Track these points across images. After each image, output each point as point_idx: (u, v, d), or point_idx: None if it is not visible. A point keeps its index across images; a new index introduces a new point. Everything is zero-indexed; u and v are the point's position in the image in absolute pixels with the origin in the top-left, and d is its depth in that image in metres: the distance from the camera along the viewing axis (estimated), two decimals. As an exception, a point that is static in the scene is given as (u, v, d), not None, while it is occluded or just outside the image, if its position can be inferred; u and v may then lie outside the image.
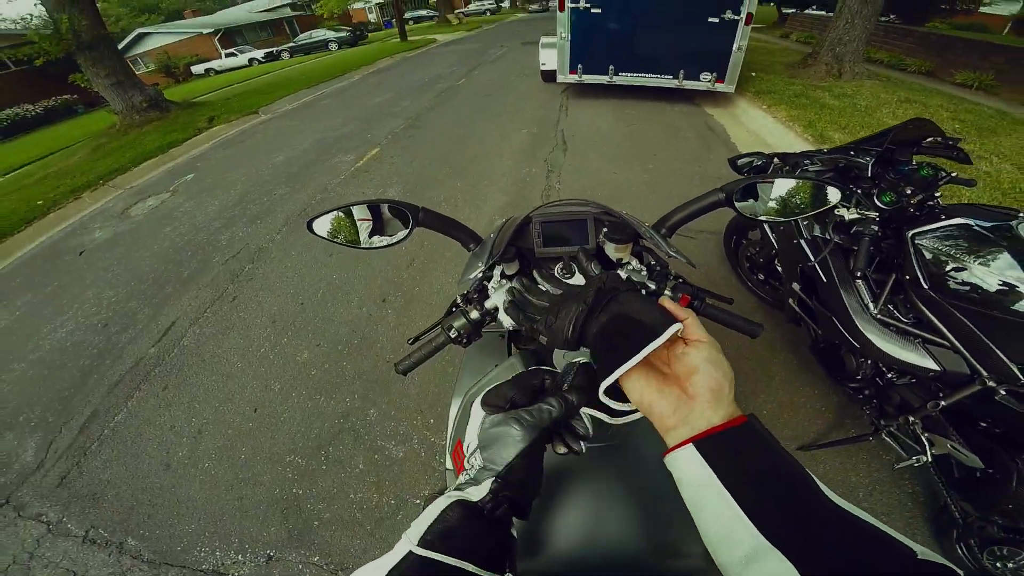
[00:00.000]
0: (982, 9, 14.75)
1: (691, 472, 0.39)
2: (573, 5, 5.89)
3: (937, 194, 1.47)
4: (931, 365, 1.32)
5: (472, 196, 3.98)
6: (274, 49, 24.48)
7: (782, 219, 0.80)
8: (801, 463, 0.38)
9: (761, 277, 2.43)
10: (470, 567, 0.39)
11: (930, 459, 1.36)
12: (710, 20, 5.54)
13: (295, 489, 1.89)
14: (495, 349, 0.95)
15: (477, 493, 0.45)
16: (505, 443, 0.46)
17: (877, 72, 7.81)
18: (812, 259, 1.66)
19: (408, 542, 0.40)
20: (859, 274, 1.43)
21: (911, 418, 1.38)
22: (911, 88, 6.77)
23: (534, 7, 36.26)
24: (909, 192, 1.44)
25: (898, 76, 8.04)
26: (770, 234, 2.05)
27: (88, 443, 2.23)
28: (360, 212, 0.80)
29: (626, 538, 0.65)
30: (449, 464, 0.87)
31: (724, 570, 0.36)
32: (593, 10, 5.88)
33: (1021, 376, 1.13)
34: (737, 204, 0.78)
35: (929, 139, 1.60)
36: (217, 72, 23.79)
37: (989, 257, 1.25)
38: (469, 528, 0.43)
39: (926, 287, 1.32)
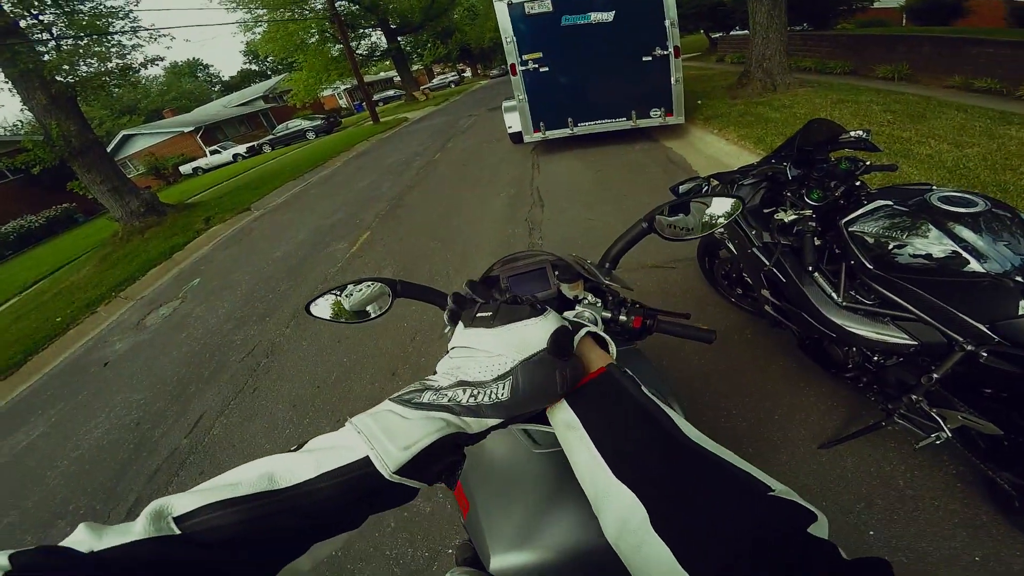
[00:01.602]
0: (875, 4, 15.84)
1: (563, 422, 0.43)
2: (523, 68, 6.32)
3: (857, 183, 1.61)
4: (907, 340, 1.36)
5: (462, 264, 4.26)
6: (256, 143, 25.37)
7: (702, 235, 0.86)
8: (664, 406, 0.41)
9: (740, 291, 2.53)
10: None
11: (948, 434, 1.34)
12: (644, 59, 6.00)
13: (333, 552, 2.08)
14: None
15: (476, 426, 0.40)
16: (539, 383, 0.40)
17: (807, 79, 8.33)
18: (768, 263, 1.78)
19: (382, 463, 0.36)
20: (811, 268, 1.53)
21: (914, 396, 1.38)
22: (840, 89, 7.20)
23: (495, 72, 37.86)
24: (833, 186, 1.58)
25: (826, 79, 8.56)
26: (731, 248, 2.13)
27: (135, 526, 2.46)
28: (348, 291, 0.90)
29: (586, 533, 0.70)
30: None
31: (592, 504, 0.40)
32: (542, 69, 6.32)
33: (991, 334, 1.14)
34: (659, 230, 0.85)
35: (844, 135, 1.74)
36: (204, 170, 24.61)
37: (919, 231, 1.32)
38: (447, 460, 0.41)
39: (871, 268, 1.39)
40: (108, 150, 10.66)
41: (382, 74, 42.83)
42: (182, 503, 0.33)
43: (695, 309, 2.76)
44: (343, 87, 36.90)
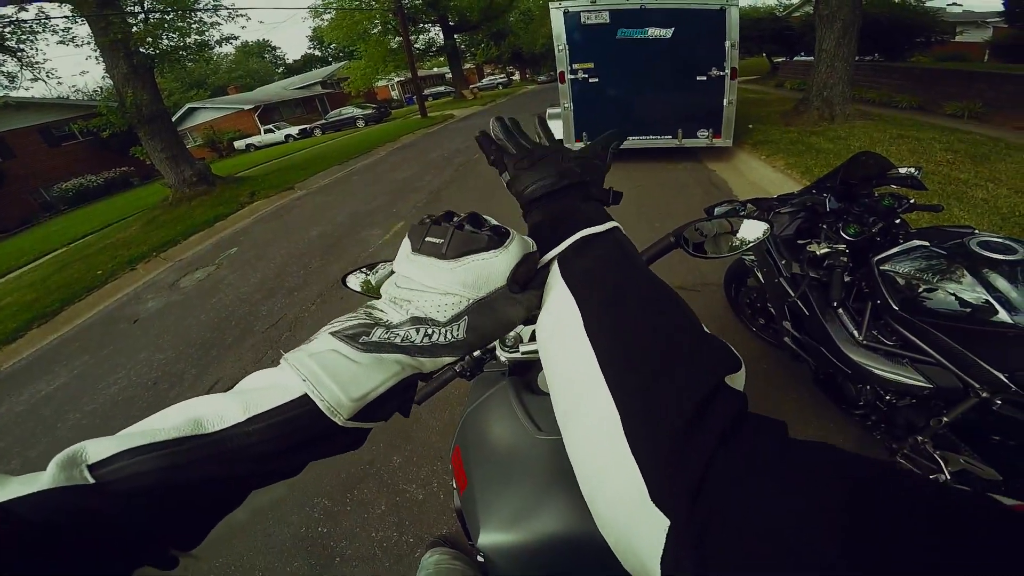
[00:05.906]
0: (957, 39, 15.12)
1: (549, 278, 0.40)
2: (572, 76, 6.27)
3: (897, 221, 1.61)
4: (923, 383, 1.36)
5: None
6: (308, 126, 26.26)
7: (728, 254, 0.88)
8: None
9: (762, 322, 2.50)
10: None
11: (947, 476, 1.36)
12: (699, 79, 5.92)
13: (321, 528, 2.02)
14: (494, 382, 1.00)
15: (431, 365, 0.37)
16: (499, 318, 0.37)
17: (868, 111, 8.02)
18: (793, 295, 1.76)
19: (333, 412, 0.31)
20: (836, 304, 1.52)
21: (920, 438, 1.40)
22: (902, 124, 6.93)
23: (543, 78, 37.82)
24: (871, 221, 1.56)
25: (889, 113, 8.23)
26: (759, 276, 2.11)
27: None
28: (377, 270, 0.90)
29: (578, 523, 0.70)
30: (454, 483, 0.97)
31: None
32: (591, 80, 6.26)
33: (1011, 384, 1.16)
34: (686, 245, 0.86)
35: (892, 171, 1.72)
36: (256, 148, 25.48)
37: (952, 275, 1.31)
38: (401, 397, 0.37)
39: (897, 309, 1.38)
40: (172, 120, 11.14)
41: (435, 70, 43.45)
42: (97, 449, 0.29)
43: (714, 334, 2.71)
44: (397, 79, 37.72)
